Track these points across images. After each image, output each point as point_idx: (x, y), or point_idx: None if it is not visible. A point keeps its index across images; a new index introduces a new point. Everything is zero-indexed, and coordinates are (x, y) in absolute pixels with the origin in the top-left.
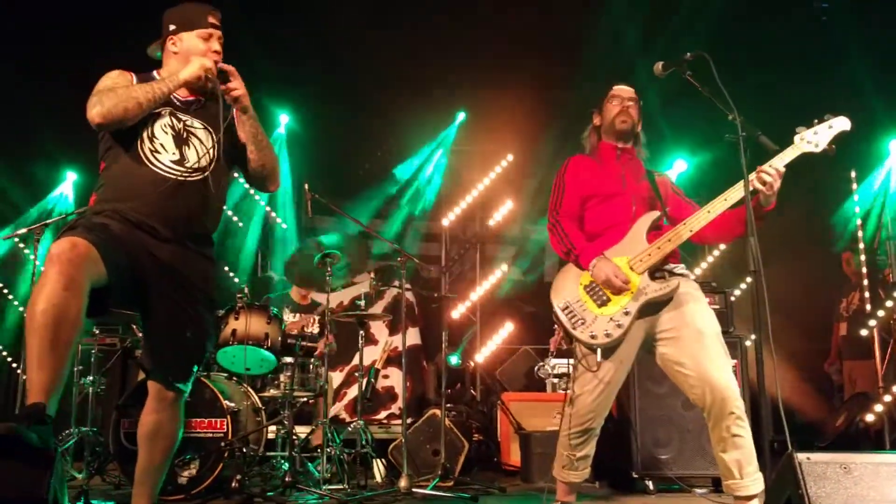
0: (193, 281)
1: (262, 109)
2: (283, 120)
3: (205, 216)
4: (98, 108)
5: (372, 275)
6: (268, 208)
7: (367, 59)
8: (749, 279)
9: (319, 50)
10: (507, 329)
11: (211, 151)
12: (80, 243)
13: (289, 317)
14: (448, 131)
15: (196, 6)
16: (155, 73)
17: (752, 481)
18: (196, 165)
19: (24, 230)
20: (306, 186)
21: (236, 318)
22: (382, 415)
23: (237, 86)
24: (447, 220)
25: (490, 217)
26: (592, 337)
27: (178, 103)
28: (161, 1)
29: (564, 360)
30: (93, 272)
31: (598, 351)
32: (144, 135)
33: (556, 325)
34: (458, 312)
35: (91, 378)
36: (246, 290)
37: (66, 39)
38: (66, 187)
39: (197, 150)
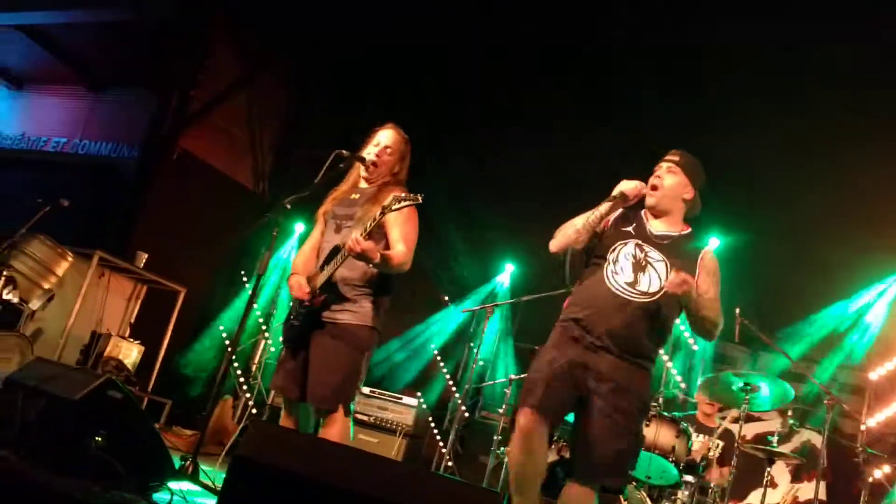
0: (625, 388)
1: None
2: (714, 243)
3: (645, 334)
4: (552, 242)
5: (790, 413)
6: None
7: (816, 188)
8: None
9: (761, 172)
10: None
11: (661, 282)
12: (530, 420)
13: (693, 437)
14: (893, 277)
15: None
16: None
17: None
18: (646, 289)
19: (477, 307)
20: (738, 311)
21: (647, 425)
22: None
23: (678, 284)
24: (875, 374)
25: None
26: None
27: (650, 235)
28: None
29: None
30: (545, 431)
31: None
32: (610, 258)
33: None
34: (879, 473)
35: (508, 449)
36: (660, 400)
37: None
38: (505, 277)
39: (650, 278)
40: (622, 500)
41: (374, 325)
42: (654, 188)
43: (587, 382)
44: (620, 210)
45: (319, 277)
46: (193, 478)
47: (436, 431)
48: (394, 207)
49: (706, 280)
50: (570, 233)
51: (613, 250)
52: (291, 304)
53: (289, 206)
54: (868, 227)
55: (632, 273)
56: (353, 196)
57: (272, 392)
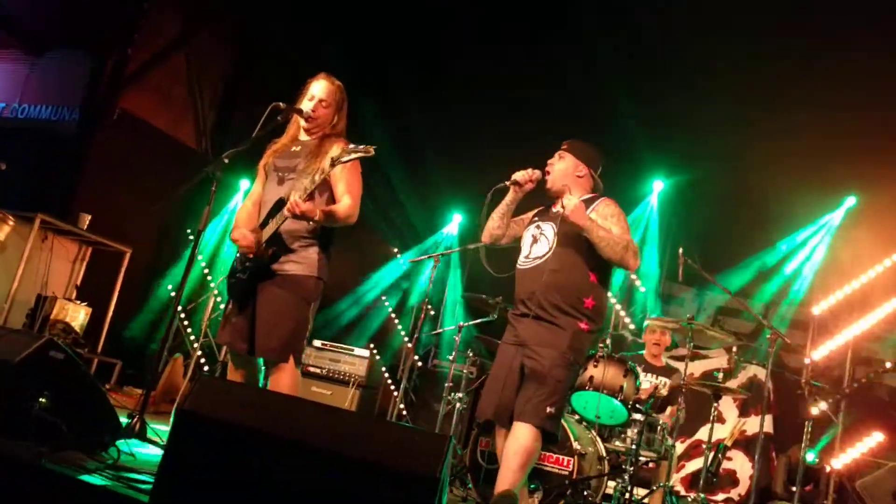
0: (541, 344)
1: (636, 173)
2: (658, 186)
3: (547, 292)
4: (482, 235)
5: (734, 349)
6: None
7: (755, 127)
8: None
9: (699, 114)
10: (874, 438)
11: (549, 243)
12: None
13: (641, 376)
14: (834, 214)
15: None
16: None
17: None
18: (538, 254)
19: (424, 256)
20: (681, 251)
21: (595, 366)
22: (720, 497)
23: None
24: (818, 309)
25: (870, 312)
26: None
27: (549, 214)
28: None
29: None
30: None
31: None
32: (521, 244)
33: None
34: (818, 409)
35: (459, 395)
36: (608, 341)
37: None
38: (453, 227)
39: (541, 244)
40: (572, 439)
41: (321, 275)
42: (548, 173)
43: (516, 351)
44: (542, 207)
45: (265, 231)
46: (141, 436)
47: (390, 381)
48: (344, 159)
49: (604, 224)
50: (490, 225)
51: (523, 239)
52: (236, 257)
53: (227, 161)
54: (808, 166)
55: (529, 247)
56: (294, 148)
57: (224, 348)
